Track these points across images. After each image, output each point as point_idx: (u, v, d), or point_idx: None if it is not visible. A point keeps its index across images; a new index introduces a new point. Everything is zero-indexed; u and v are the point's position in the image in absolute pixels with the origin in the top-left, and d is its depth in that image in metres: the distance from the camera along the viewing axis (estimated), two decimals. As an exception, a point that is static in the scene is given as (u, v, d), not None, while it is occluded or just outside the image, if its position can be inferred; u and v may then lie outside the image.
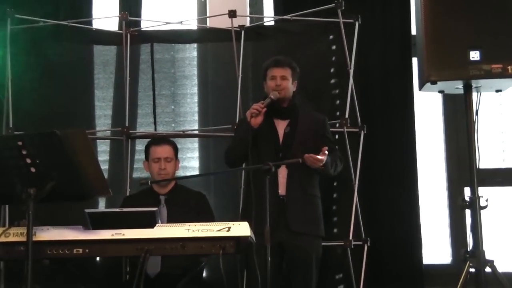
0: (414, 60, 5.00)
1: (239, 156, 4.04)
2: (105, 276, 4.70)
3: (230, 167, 4.17)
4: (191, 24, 5.33)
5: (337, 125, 4.78)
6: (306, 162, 3.85)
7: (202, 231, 3.09)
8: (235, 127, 4.71)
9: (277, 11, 5.29)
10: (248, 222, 3.17)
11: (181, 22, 5.17)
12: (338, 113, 4.91)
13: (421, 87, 4.03)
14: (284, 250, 3.96)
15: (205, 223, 3.14)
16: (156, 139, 4.46)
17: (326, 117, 4.29)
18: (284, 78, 4.07)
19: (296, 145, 4.00)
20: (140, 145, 5.02)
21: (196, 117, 5.27)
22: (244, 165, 4.19)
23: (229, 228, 3.08)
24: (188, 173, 5.09)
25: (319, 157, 3.86)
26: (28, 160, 2.90)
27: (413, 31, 4.94)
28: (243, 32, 5.03)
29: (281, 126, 4.08)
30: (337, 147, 4.37)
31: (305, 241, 3.96)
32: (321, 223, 4.08)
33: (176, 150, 4.26)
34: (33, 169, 2.91)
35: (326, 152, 3.88)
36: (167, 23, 5.19)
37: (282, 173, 3.97)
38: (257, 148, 3.98)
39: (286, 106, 4.10)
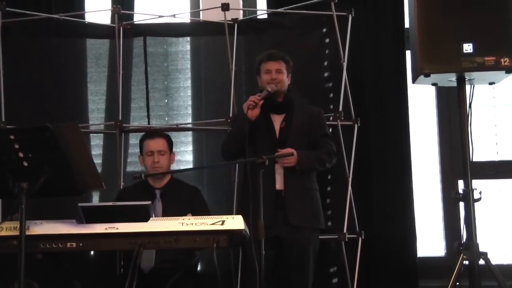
0: (407, 53, 5.01)
1: (235, 148, 4.00)
2: (99, 270, 4.69)
3: (226, 160, 4.15)
4: (184, 17, 5.31)
5: (331, 118, 4.76)
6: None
7: (195, 224, 3.09)
8: (229, 120, 4.71)
9: (270, 4, 5.28)
10: (245, 215, 3.17)
11: (174, 16, 5.16)
12: (331, 107, 4.91)
13: (414, 80, 4.03)
14: (281, 243, 3.94)
15: (199, 216, 3.14)
16: (149, 133, 4.42)
17: (322, 109, 4.27)
18: (279, 72, 4.06)
19: (291, 140, 3.98)
20: (134, 139, 5.01)
21: (189, 111, 5.25)
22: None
23: (223, 221, 3.07)
24: (182, 167, 5.08)
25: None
26: (21, 154, 2.88)
27: (406, 24, 4.95)
28: (236, 25, 5.02)
29: (277, 120, 4.06)
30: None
31: (303, 234, 3.94)
32: (321, 215, 4.07)
33: (170, 143, 4.23)
34: (25, 163, 2.90)
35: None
36: (160, 16, 5.17)
37: (279, 168, 3.95)
38: (254, 143, 3.96)
39: (282, 101, 4.08)
